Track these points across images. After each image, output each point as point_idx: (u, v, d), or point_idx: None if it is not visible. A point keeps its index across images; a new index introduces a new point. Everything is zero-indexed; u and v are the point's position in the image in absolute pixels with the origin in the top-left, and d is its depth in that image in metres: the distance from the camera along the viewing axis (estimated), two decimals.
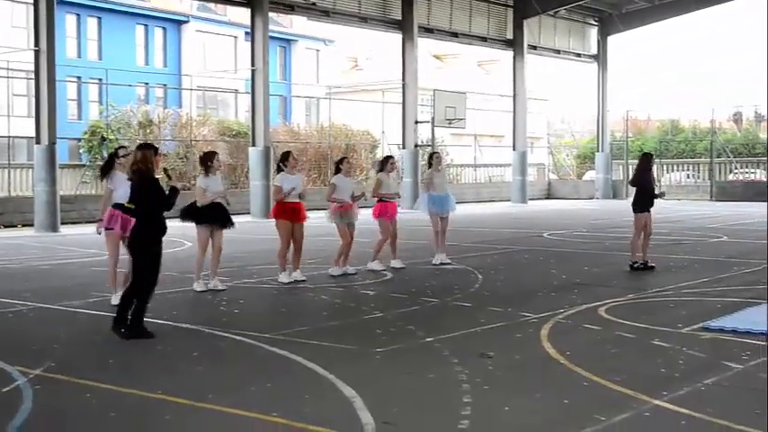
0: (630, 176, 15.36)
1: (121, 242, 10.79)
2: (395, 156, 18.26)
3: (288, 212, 13.11)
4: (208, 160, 12.70)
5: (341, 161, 14.56)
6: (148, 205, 9.18)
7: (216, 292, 12.16)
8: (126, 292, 9.35)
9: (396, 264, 14.79)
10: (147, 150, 9.35)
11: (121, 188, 10.69)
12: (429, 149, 34.27)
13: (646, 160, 15.37)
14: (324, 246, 16.57)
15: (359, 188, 15.05)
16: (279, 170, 13.47)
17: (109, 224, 11.06)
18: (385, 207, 14.81)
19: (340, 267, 13.95)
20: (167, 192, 9.31)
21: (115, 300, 10.86)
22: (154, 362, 8.23)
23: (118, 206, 10.87)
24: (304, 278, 13.21)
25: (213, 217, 12.31)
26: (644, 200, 14.95)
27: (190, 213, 12.32)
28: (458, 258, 16.21)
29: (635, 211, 15.00)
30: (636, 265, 14.62)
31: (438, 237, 15.62)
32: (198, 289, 12.23)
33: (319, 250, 16.11)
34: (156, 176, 9.34)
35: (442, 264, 15.28)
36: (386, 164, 15.32)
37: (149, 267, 9.20)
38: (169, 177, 10.03)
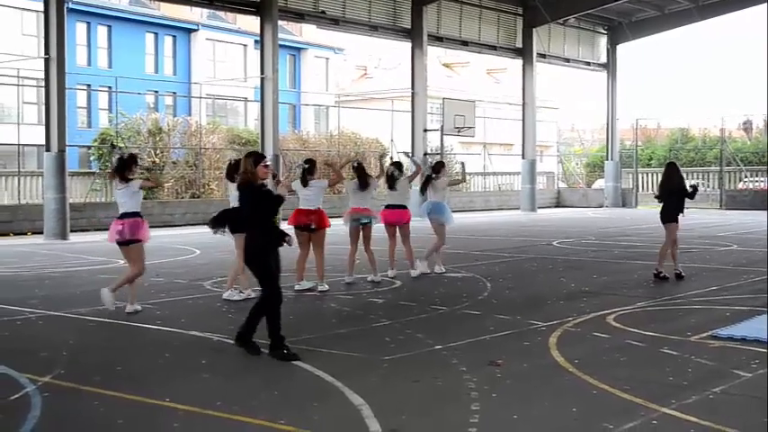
0: (660, 187, 15.12)
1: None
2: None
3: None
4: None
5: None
6: (257, 214, 8.92)
7: (228, 301, 12.17)
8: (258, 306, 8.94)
9: (414, 272, 14.85)
10: (248, 159, 9.04)
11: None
12: (438, 157, 34.31)
13: (676, 168, 15.30)
14: (332, 253, 16.56)
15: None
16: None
17: (134, 235, 11.14)
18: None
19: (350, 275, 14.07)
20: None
21: (130, 308, 10.94)
22: (162, 369, 8.24)
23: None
24: (326, 287, 13.19)
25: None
26: (681, 207, 14.89)
27: (220, 221, 12.20)
28: (466, 266, 16.21)
29: (673, 220, 14.86)
30: (662, 275, 14.51)
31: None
32: (235, 298, 12.19)
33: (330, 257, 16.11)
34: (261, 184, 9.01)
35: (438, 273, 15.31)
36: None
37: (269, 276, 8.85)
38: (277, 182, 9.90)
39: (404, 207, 14.98)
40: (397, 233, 14.99)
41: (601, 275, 15.24)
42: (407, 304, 12.00)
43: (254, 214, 8.86)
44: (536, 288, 13.83)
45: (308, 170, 13.19)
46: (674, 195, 14.83)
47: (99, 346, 9.39)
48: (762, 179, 44.23)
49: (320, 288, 13.04)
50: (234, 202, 11.57)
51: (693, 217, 31.72)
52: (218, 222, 11.82)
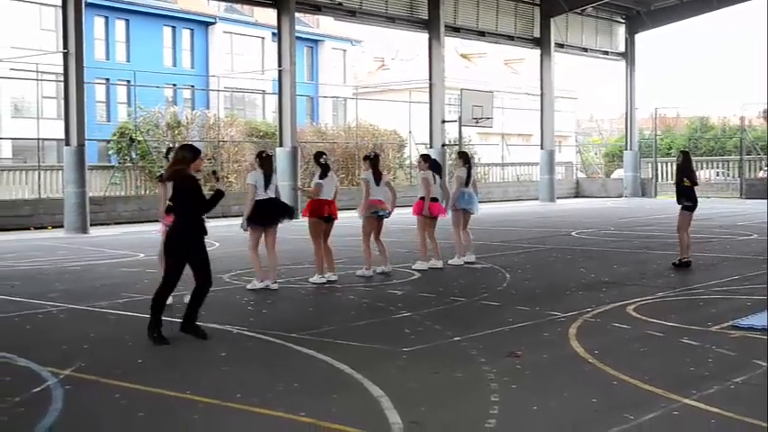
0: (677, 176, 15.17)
1: None
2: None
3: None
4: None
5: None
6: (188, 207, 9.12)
7: (247, 291, 12.25)
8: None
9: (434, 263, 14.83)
10: (183, 152, 9.32)
11: None
12: (456, 149, 34.27)
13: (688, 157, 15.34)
14: (349, 245, 16.57)
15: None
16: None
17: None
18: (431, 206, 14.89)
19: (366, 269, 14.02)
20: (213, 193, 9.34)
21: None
22: (182, 362, 8.27)
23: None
24: (335, 278, 13.26)
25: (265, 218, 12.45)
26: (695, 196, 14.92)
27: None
28: (485, 257, 16.18)
29: (691, 209, 14.92)
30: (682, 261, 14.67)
31: (461, 235, 15.61)
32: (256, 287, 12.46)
33: (348, 249, 16.12)
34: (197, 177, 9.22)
35: (466, 263, 15.29)
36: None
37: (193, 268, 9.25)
38: (216, 179, 10.07)
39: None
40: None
41: (620, 266, 15.19)
42: (426, 296, 11.99)
43: (187, 205, 9.06)
44: (555, 279, 13.79)
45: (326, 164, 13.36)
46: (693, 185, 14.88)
47: (119, 339, 9.42)
48: None
49: (331, 278, 13.15)
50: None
51: (713, 206, 31.61)
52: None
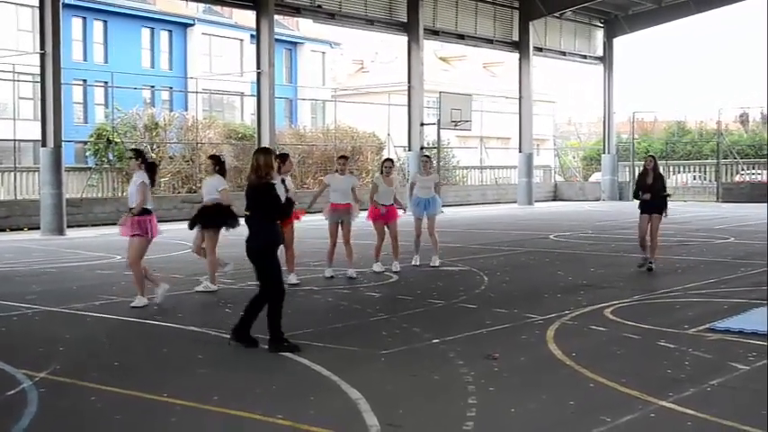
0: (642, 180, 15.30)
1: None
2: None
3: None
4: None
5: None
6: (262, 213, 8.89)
7: (226, 293, 12.21)
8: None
9: (394, 267, 14.77)
10: (266, 155, 9.00)
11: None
12: (435, 152, 34.31)
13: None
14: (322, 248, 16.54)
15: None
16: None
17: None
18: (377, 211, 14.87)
19: (330, 267, 14.10)
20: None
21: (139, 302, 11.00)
22: (159, 364, 8.23)
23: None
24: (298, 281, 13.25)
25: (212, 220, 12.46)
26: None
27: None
28: (464, 260, 16.20)
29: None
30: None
31: (420, 239, 15.74)
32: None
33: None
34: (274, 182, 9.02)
35: (433, 266, 15.29)
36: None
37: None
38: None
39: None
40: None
41: (598, 269, 15.24)
42: (404, 298, 12.00)
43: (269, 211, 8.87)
44: (533, 282, 13.83)
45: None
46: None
47: (96, 341, 9.37)
48: (759, 171, 44.29)
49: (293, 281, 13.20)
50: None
51: (690, 210, 31.76)
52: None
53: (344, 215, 14.00)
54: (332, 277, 13.85)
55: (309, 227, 18.81)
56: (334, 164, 15.75)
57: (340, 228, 13.98)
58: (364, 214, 14.87)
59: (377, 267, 14.66)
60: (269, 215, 8.84)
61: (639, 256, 15.27)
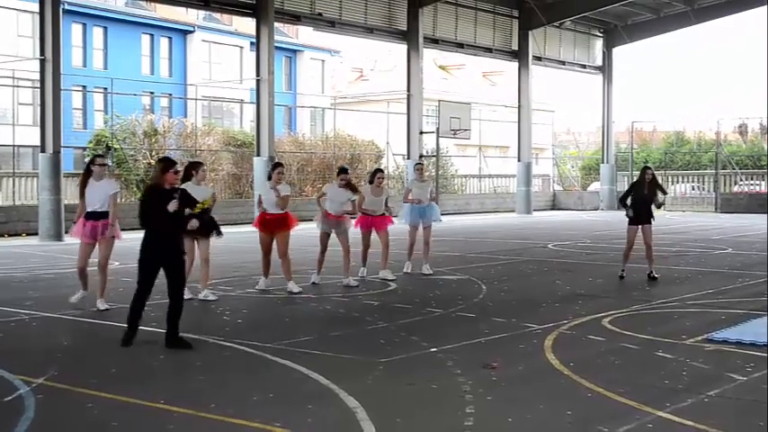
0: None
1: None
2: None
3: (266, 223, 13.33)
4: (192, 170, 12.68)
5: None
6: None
7: (214, 301, 12.16)
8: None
9: (385, 274, 14.74)
10: (159, 164, 9.51)
11: (90, 195, 11.49)
12: (434, 160, 34.32)
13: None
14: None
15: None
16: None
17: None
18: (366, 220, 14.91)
19: (317, 275, 14.14)
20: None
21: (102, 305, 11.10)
22: (156, 371, 8.23)
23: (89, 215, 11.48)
24: (300, 289, 13.20)
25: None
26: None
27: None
28: (462, 269, 16.20)
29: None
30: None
31: (412, 248, 15.77)
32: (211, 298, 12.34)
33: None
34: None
35: (424, 274, 15.27)
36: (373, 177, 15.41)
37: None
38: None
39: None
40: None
41: (596, 278, 15.24)
42: (403, 306, 11.98)
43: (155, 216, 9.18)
44: (531, 291, 13.82)
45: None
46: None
47: (93, 347, 9.36)
48: (757, 182, 44.31)
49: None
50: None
51: (688, 220, 31.77)
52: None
53: (335, 226, 14.07)
54: (316, 284, 13.90)
55: (309, 235, 18.78)
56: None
57: (336, 237, 14.04)
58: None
59: (361, 272, 14.84)
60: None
61: (623, 266, 15.20)
